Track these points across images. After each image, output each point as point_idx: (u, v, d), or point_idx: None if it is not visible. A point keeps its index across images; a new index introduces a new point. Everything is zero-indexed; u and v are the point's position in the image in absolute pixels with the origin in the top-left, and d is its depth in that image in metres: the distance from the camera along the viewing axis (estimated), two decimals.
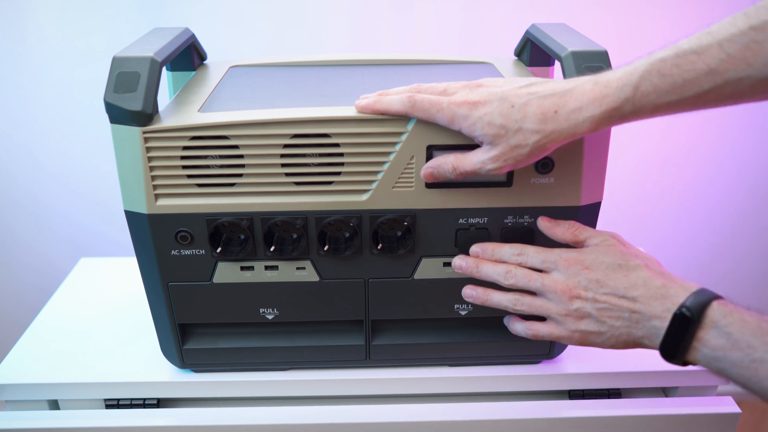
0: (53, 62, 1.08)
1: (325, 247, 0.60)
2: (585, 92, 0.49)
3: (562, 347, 0.69)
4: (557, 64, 0.65)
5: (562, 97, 0.49)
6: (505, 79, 0.54)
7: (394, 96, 0.55)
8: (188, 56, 0.71)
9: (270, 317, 0.65)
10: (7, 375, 0.68)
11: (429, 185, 0.58)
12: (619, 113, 0.48)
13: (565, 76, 0.58)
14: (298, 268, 0.62)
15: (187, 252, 0.60)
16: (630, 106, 0.48)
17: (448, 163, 0.54)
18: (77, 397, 0.69)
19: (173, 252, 0.60)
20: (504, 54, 1.08)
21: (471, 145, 0.55)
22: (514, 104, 0.50)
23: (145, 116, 0.53)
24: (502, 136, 0.51)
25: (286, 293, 0.63)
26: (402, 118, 0.55)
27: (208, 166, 0.56)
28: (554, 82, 0.51)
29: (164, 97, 0.97)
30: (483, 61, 0.75)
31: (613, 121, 0.49)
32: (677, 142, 1.20)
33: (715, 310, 0.47)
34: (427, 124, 0.55)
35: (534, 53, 0.73)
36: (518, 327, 0.60)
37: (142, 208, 0.57)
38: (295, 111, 0.56)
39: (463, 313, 0.65)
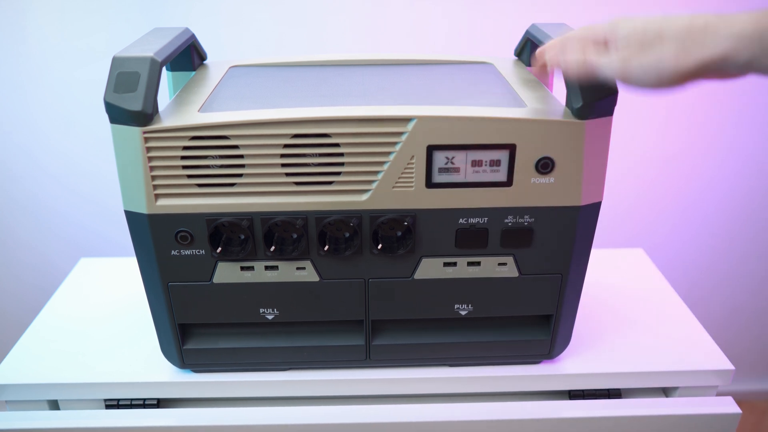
0: (53, 62, 1.08)
1: (325, 247, 0.60)
2: (741, 15, 0.44)
3: (563, 347, 0.69)
4: None
5: (717, 17, 0.45)
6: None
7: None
8: (188, 56, 0.71)
9: (270, 317, 0.65)
10: (7, 375, 0.68)
11: (430, 185, 0.57)
12: None
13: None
14: (298, 268, 0.62)
15: (187, 252, 0.60)
16: None
17: (574, 58, 0.52)
18: (77, 397, 0.69)
19: (173, 252, 0.60)
20: (504, 54, 1.08)
21: (478, 145, 0.55)
22: (665, 17, 0.47)
23: (145, 116, 0.53)
24: (639, 38, 0.47)
25: (286, 293, 0.63)
26: (402, 118, 0.55)
27: (208, 166, 0.56)
28: (717, 14, 0.47)
29: (164, 97, 0.97)
30: (483, 61, 0.75)
31: (758, 53, 0.44)
32: (677, 142, 1.20)
33: None
34: (427, 123, 0.55)
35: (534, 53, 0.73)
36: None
37: (142, 208, 0.57)
38: (295, 111, 0.56)
39: (463, 313, 0.65)
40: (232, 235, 0.59)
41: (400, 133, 0.55)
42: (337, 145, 0.56)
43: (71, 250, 1.26)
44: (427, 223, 0.60)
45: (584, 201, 0.59)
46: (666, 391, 0.74)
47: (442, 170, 0.57)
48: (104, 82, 1.05)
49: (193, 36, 0.70)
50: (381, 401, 0.71)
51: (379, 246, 0.60)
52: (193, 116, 0.56)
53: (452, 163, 0.57)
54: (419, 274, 0.63)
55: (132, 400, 0.69)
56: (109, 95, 0.53)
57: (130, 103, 0.53)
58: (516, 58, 0.77)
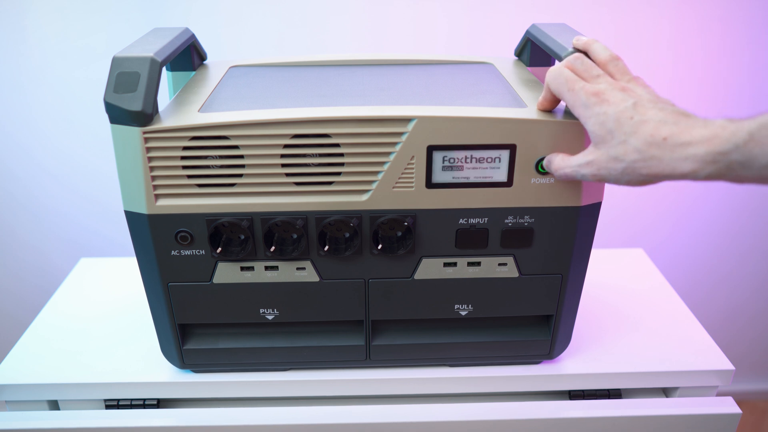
0: (53, 62, 1.08)
1: (325, 248, 0.60)
2: (701, 130, 0.46)
3: (563, 347, 0.69)
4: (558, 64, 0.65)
5: (680, 128, 0.47)
6: (653, 94, 0.51)
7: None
8: (188, 56, 0.71)
9: (270, 317, 0.65)
10: (7, 375, 0.68)
11: (430, 185, 0.58)
12: (725, 160, 0.44)
13: None
14: (298, 269, 0.62)
15: (187, 252, 0.60)
16: (739, 155, 0.43)
17: (554, 163, 0.55)
18: (77, 398, 0.69)
19: (173, 252, 0.60)
20: (504, 54, 1.08)
21: (478, 145, 0.55)
22: (633, 116, 0.48)
23: (145, 116, 0.53)
24: (607, 141, 0.50)
25: (286, 293, 0.63)
26: (402, 118, 0.55)
27: (208, 166, 0.56)
28: (688, 115, 0.48)
29: (164, 97, 0.97)
30: (483, 61, 0.75)
31: (717, 170, 0.45)
32: None
33: None
34: (427, 124, 0.55)
35: (534, 53, 0.73)
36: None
37: (142, 208, 0.57)
38: (295, 111, 0.56)
39: (463, 313, 0.65)
40: (232, 236, 0.59)
41: (400, 134, 0.55)
42: (337, 145, 0.56)
43: (71, 250, 1.26)
44: (427, 223, 0.60)
45: (584, 201, 0.59)
46: (666, 392, 0.74)
47: (442, 170, 0.57)
48: (104, 82, 1.06)
49: (193, 36, 0.70)
50: (381, 401, 0.71)
51: (379, 246, 0.60)
52: (193, 116, 0.56)
53: (452, 163, 0.57)
54: (419, 275, 0.63)
55: (132, 400, 0.69)
56: (109, 95, 0.53)
57: (130, 103, 0.53)
58: (516, 58, 0.77)
